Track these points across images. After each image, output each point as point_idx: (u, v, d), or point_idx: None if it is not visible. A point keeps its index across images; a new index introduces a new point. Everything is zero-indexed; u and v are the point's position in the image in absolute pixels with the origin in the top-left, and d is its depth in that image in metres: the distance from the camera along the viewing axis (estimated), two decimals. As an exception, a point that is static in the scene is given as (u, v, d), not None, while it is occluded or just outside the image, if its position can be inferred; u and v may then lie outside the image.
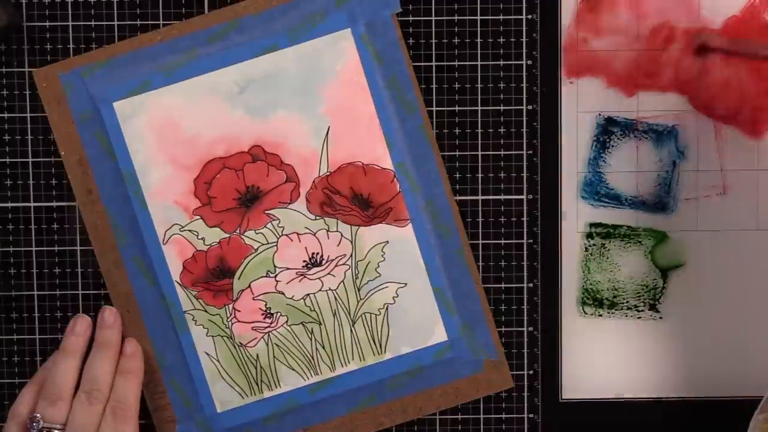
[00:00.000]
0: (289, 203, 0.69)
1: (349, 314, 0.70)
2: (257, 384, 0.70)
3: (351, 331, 0.70)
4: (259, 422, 0.70)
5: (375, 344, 0.70)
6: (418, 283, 0.70)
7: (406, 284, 0.70)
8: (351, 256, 0.69)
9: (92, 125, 0.69)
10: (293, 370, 0.70)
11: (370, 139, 0.69)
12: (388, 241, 0.69)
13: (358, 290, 0.69)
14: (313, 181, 0.69)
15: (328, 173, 0.69)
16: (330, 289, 0.70)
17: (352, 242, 0.69)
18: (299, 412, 0.70)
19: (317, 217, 0.69)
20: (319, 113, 0.69)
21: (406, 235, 0.69)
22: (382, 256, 0.69)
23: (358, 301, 0.70)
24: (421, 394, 0.71)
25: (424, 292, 0.70)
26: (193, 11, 0.70)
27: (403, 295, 0.70)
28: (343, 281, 0.69)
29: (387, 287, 0.70)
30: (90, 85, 0.69)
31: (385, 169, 0.69)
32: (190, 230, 0.69)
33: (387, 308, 0.70)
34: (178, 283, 0.69)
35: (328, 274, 0.69)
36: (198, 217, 0.69)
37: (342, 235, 0.69)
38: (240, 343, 0.70)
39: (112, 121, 0.68)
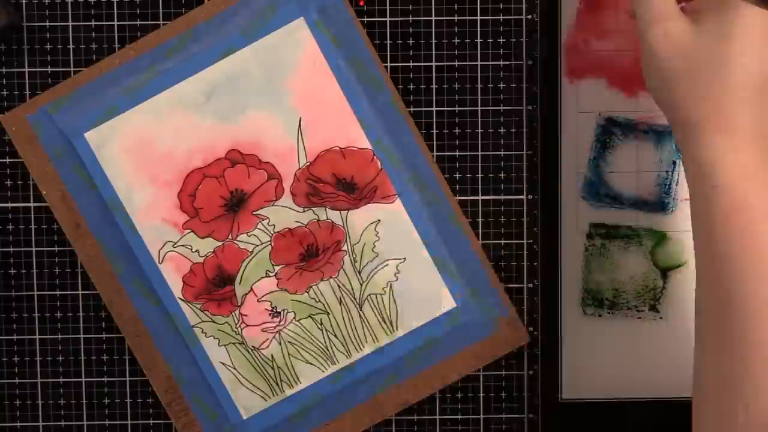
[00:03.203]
0: (275, 200, 0.71)
1: (355, 299, 0.71)
2: (277, 384, 0.72)
3: (360, 315, 0.71)
4: (286, 421, 0.72)
5: (386, 324, 0.72)
6: (417, 256, 0.71)
7: (405, 259, 0.71)
8: (345, 241, 0.71)
9: (68, 159, 0.70)
10: (310, 363, 0.72)
11: (343, 123, 0.70)
12: (379, 220, 0.71)
13: (359, 273, 0.71)
14: (295, 174, 0.71)
15: (308, 164, 0.71)
16: (331, 277, 0.71)
17: (344, 227, 0.71)
18: (324, 404, 0.72)
19: (305, 209, 0.71)
20: (288, 106, 0.70)
21: (396, 210, 0.71)
22: (376, 235, 0.71)
23: (361, 284, 0.71)
24: (441, 364, 0.72)
25: (425, 263, 0.71)
26: (193, 5, 0.71)
27: (404, 270, 0.71)
28: (342, 267, 0.71)
29: (387, 265, 0.71)
30: (58, 121, 0.70)
31: (363, 149, 0.71)
32: (183, 245, 0.71)
33: (391, 286, 0.71)
34: (180, 299, 0.71)
35: (326, 263, 0.71)
36: (188, 230, 0.71)
37: (333, 222, 0.71)
38: (253, 346, 0.71)
39: (86, 152, 0.70)
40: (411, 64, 0.72)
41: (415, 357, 0.72)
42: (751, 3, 0.55)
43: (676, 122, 0.59)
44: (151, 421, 0.73)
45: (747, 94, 0.57)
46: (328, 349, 0.72)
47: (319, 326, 0.72)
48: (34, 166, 0.71)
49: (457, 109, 0.72)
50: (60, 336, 0.73)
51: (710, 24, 0.57)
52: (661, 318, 0.73)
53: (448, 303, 0.72)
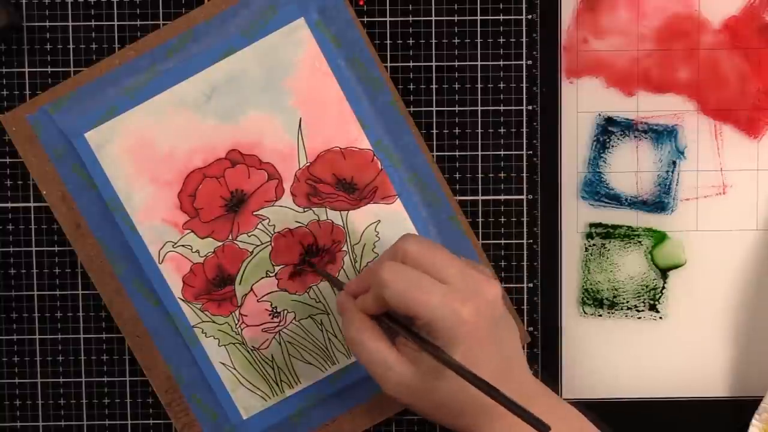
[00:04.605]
0: (276, 200, 0.71)
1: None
2: (277, 384, 0.72)
3: (360, 315, 0.71)
4: (286, 421, 0.72)
5: (386, 323, 0.72)
6: (417, 256, 0.71)
7: (405, 259, 0.71)
8: (346, 241, 0.71)
9: (68, 159, 0.71)
10: (310, 364, 0.72)
11: (343, 123, 0.71)
12: (379, 220, 0.71)
13: (359, 273, 0.71)
14: (295, 175, 0.71)
15: (308, 164, 0.71)
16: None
17: (344, 227, 0.71)
18: (324, 404, 0.72)
19: (305, 209, 0.71)
20: (289, 106, 0.70)
21: (396, 210, 0.71)
22: (376, 235, 0.71)
23: (361, 284, 0.71)
24: (441, 364, 0.72)
25: (425, 263, 0.71)
26: (193, 5, 0.71)
27: (404, 271, 0.71)
28: (342, 268, 0.71)
29: (387, 266, 0.71)
30: (59, 121, 0.70)
31: (363, 149, 0.71)
32: (183, 245, 0.71)
33: None
34: (181, 299, 0.71)
35: (327, 263, 0.71)
36: (188, 230, 0.71)
37: (333, 222, 0.71)
38: (253, 347, 0.71)
39: (86, 152, 0.70)
40: (411, 64, 0.72)
41: (415, 357, 0.72)
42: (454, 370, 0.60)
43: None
44: (151, 421, 0.73)
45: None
46: (328, 350, 0.72)
47: (319, 326, 0.72)
48: (34, 166, 0.71)
49: (457, 109, 0.72)
50: (60, 336, 0.73)
51: (425, 364, 0.62)
52: (661, 318, 0.74)
53: (448, 303, 0.72)
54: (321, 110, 0.71)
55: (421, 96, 0.72)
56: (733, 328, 0.74)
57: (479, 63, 0.72)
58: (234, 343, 0.72)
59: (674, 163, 0.73)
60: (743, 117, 0.73)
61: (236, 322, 0.71)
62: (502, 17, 0.72)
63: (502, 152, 0.73)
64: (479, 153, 0.73)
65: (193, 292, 0.71)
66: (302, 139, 0.71)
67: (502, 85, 0.72)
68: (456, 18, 0.72)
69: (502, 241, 0.73)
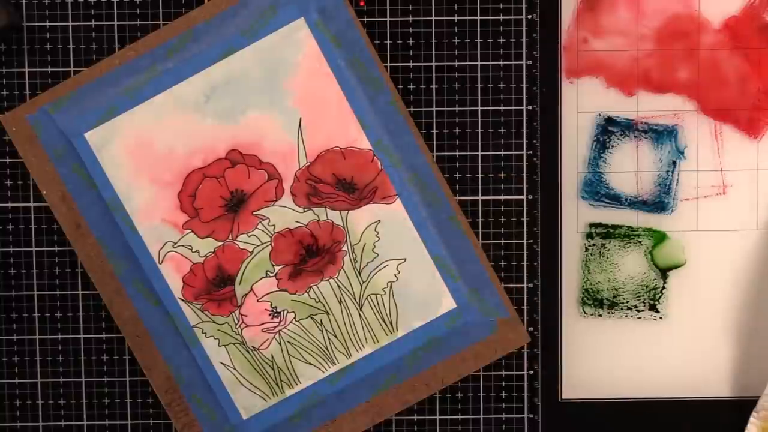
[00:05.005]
0: (275, 200, 0.71)
1: (355, 299, 0.71)
2: (277, 384, 0.72)
3: (360, 315, 0.71)
4: (286, 422, 0.72)
5: (386, 324, 0.72)
6: (417, 256, 0.72)
7: (405, 259, 0.71)
8: (346, 241, 0.71)
9: (68, 159, 0.71)
10: (310, 364, 0.72)
11: (343, 123, 0.71)
12: (379, 220, 0.71)
13: (359, 274, 0.71)
14: (295, 174, 0.71)
15: (308, 164, 0.71)
16: (331, 277, 0.71)
17: (344, 227, 0.71)
18: (324, 404, 0.72)
19: (305, 209, 0.71)
20: (289, 106, 0.70)
21: (396, 210, 0.71)
22: (376, 235, 0.71)
23: (361, 285, 0.71)
24: (441, 365, 0.73)
25: (425, 263, 0.72)
26: (193, 5, 0.71)
27: (404, 271, 0.72)
28: (342, 267, 0.71)
29: (387, 266, 0.71)
30: (59, 121, 0.70)
31: (363, 149, 0.71)
32: (183, 245, 0.71)
33: (391, 286, 0.72)
34: (181, 299, 0.71)
35: (327, 263, 0.71)
36: (188, 230, 0.71)
37: (333, 222, 0.71)
38: (253, 347, 0.71)
39: (86, 152, 0.70)
40: (411, 64, 0.72)
41: (415, 357, 0.72)
42: None
43: None
44: (151, 421, 0.73)
45: None
46: (328, 350, 0.72)
47: (319, 326, 0.72)
48: (34, 166, 0.71)
49: (457, 109, 0.72)
50: (60, 336, 0.73)
51: None
52: (661, 318, 0.74)
53: (448, 304, 0.72)
54: (321, 110, 0.71)
55: (421, 96, 0.72)
56: (733, 328, 0.74)
57: (479, 63, 0.72)
58: (234, 343, 0.72)
59: (674, 163, 0.73)
60: (743, 117, 0.73)
61: (236, 322, 0.71)
62: (502, 17, 0.72)
63: (502, 152, 0.73)
64: (479, 153, 0.73)
65: (193, 292, 0.71)
66: (302, 139, 0.71)
67: (502, 85, 0.72)
68: (456, 18, 0.72)
69: (502, 241, 0.73)
